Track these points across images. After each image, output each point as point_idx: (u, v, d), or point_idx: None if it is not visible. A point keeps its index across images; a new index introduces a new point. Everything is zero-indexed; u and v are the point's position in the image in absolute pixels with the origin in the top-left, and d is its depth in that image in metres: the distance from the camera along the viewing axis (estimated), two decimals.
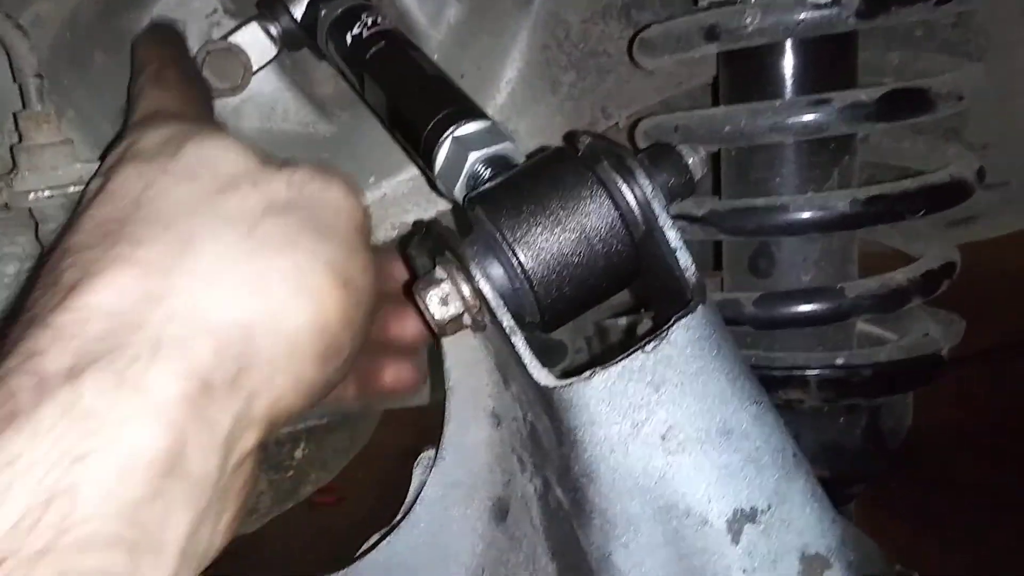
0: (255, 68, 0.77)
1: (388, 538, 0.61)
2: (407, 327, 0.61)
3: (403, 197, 0.86)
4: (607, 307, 0.84)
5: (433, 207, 0.86)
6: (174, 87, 0.58)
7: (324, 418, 1.03)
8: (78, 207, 0.47)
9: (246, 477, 0.45)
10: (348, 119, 0.85)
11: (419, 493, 0.61)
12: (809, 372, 0.62)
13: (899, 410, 0.67)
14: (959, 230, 0.89)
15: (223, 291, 0.43)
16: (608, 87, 0.86)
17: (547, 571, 0.58)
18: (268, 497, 1.08)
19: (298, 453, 1.13)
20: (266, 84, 0.82)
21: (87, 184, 0.49)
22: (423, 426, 0.67)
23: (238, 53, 0.75)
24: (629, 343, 0.50)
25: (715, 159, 0.71)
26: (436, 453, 0.61)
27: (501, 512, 0.60)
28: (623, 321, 0.76)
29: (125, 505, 0.37)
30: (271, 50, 0.77)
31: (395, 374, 0.62)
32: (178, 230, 0.44)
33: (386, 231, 0.86)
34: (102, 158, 0.51)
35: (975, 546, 2.19)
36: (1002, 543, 2.28)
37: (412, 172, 0.86)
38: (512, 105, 0.83)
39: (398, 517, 0.61)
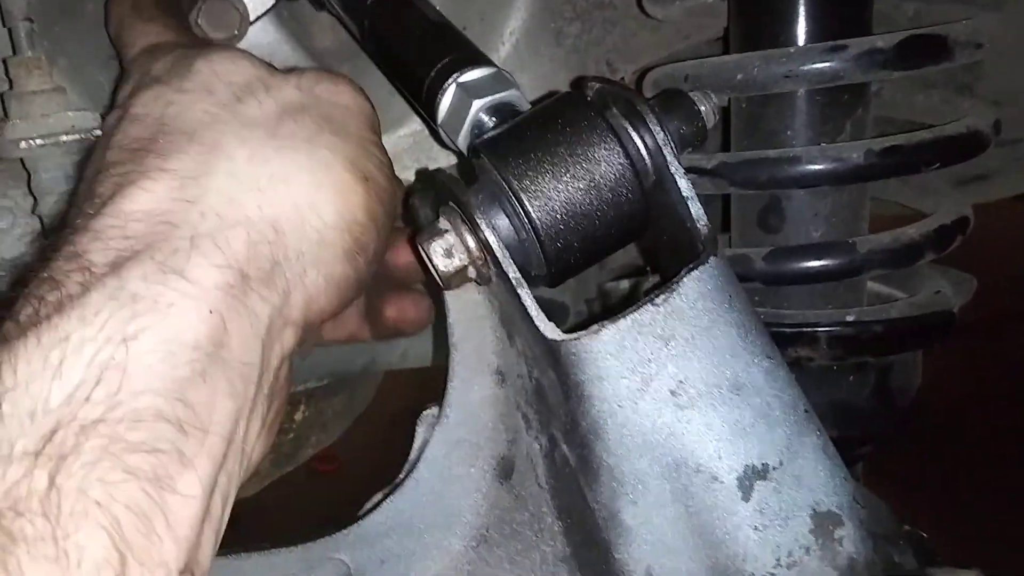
0: (252, 18, 0.75)
1: (391, 497, 0.59)
2: (398, 257, 0.61)
3: (403, 153, 0.84)
4: (609, 271, 0.83)
5: (433, 164, 0.84)
6: (158, 18, 0.59)
7: (324, 380, 1.02)
8: (101, 139, 0.49)
9: (283, 382, 0.48)
10: (347, 71, 0.83)
11: (422, 452, 0.60)
12: (819, 329, 0.61)
13: (908, 369, 0.66)
14: (971, 188, 0.88)
15: (252, 190, 0.45)
16: (614, 40, 0.84)
17: (553, 530, 0.57)
18: (268, 460, 1.07)
19: (298, 416, 1.12)
20: (264, 35, 0.80)
21: (104, 118, 0.52)
22: (424, 389, 0.65)
23: (235, 2, 0.73)
24: (633, 303, 0.49)
25: (724, 115, 0.69)
26: (440, 411, 0.59)
27: (506, 471, 0.59)
28: (626, 284, 0.75)
29: (172, 383, 0.39)
30: None
31: (397, 309, 0.64)
32: (204, 139, 0.46)
33: None
34: (113, 95, 0.53)
35: (966, 520, 2.19)
36: (996, 516, 2.29)
37: (412, 128, 0.84)
38: (516, 57, 0.81)
39: (401, 475, 0.60)
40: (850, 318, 0.61)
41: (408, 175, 0.84)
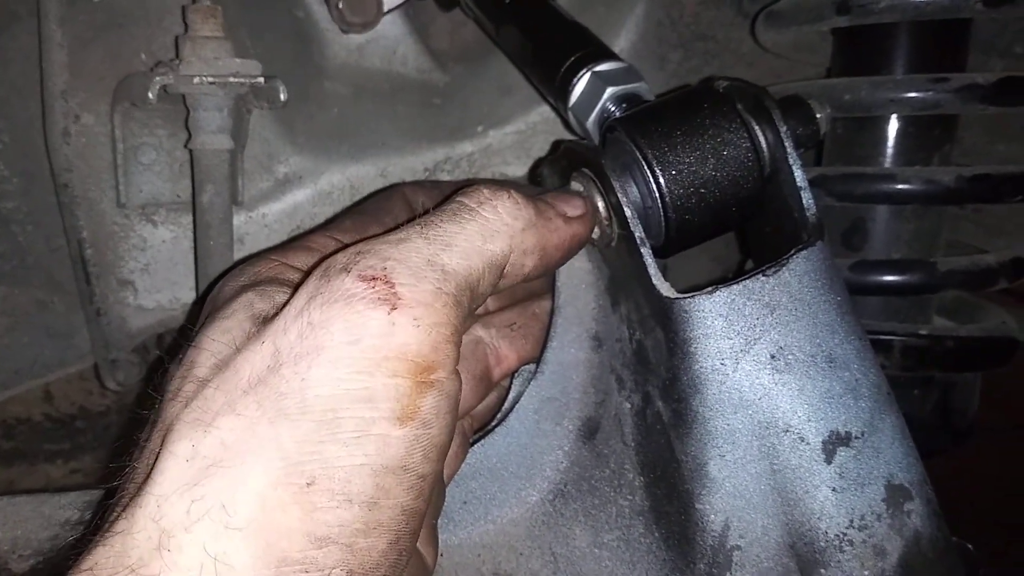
0: (386, 9, 0.82)
1: (482, 442, 0.64)
2: None
3: (506, 149, 0.90)
4: None
5: (533, 158, 0.90)
6: None
7: None
8: None
9: None
10: (461, 71, 0.89)
11: (515, 403, 0.64)
12: (895, 338, 0.65)
13: (969, 391, 0.70)
14: None
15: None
16: (711, 71, 0.91)
17: (633, 485, 0.61)
18: None
19: None
20: (391, 28, 0.87)
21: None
22: None
23: None
24: None
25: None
26: (536, 368, 0.64)
27: (590, 431, 0.63)
28: None
29: None
30: None
31: None
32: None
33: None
34: None
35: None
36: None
37: (517, 126, 0.91)
38: None
39: (493, 423, 0.64)
40: (923, 331, 0.66)
41: (508, 170, 0.90)
